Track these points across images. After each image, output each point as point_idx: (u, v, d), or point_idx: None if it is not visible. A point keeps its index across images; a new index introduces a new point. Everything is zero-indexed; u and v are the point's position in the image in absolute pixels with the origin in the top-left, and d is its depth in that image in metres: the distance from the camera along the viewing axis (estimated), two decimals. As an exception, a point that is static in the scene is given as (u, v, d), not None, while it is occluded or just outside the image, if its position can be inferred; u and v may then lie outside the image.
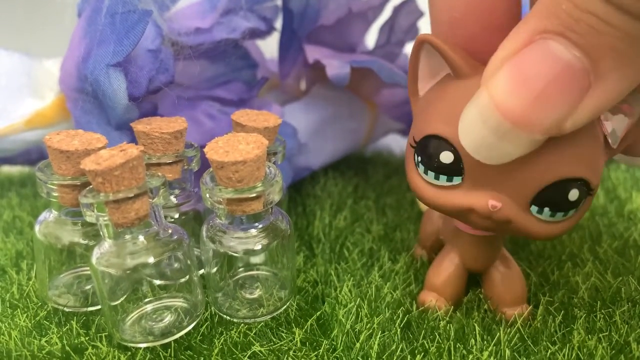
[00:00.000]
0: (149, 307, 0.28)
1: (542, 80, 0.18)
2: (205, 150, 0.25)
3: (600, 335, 0.27)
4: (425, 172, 0.24)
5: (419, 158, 0.24)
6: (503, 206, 0.22)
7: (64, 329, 0.27)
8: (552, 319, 0.28)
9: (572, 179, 0.22)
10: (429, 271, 0.30)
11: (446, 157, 0.23)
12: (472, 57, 0.23)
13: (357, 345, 0.26)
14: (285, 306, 0.29)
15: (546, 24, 0.18)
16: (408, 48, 0.47)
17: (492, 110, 0.19)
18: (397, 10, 0.44)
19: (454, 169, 0.23)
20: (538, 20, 0.18)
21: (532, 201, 0.22)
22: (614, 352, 0.25)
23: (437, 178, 0.24)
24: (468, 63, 0.23)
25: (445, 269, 0.29)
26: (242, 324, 0.28)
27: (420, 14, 0.44)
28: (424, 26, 0.45)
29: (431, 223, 0.33)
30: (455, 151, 0.22)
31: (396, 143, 0.56)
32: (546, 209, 0.22)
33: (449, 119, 0.22)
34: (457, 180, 0.23)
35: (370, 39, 0.47)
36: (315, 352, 0.26)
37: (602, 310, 0.28)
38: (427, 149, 0.23)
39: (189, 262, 0.27)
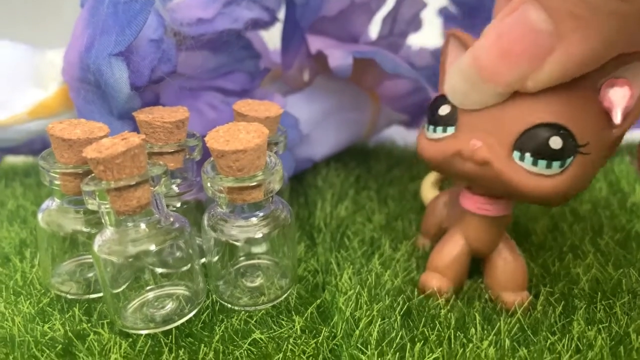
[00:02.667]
0: (150, 295, 0.28)
1: (510, 39, 0.21)
2: (206, 139, 0.25)
3: (600, 326, 0.27)
4: (428, 129, 0.27)
5: (427, 119, 0.27)
6: (483, 146, 0.24)
7: (67, 316, 0.28)
8: (552, 309, 0.28)
9: (552, 124, 0.22)
10: (432, 253, 0.30)
11: (444, 109, 0.26)
12: None
13: (357, 332, 0.26)
14: (285, 294, 0.29)
15: None
16: (411, 39, 0.47)
17: (468, 62, 0.23)
18: (400, 1, 0.44)
19: (449, 119, 0.25)
20: None
21: (513, 146, 0.23)
22: (613, 343, 0.26)
23: (435, 130, 0.26)
24: None
25: (450, 251, 0.29)
26: (243, 312, 0.28)
27: (423, 5, 0.44)
28: (427, 17, 0.46)
29: (434, 213, 0.33)
30: (451, 104, 0.25)
31: (399, 135, 0.56)
32: (527, 155, 0.23)
33: None
34: (450, 130, 0.26)
35: (373, 29, 0.47)
36: (315, 340, 0.26)
37: (603, 302, 0.28)
38: (432, 106, 0.27)
39: (190, 250, 0.27)
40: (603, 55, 0.21)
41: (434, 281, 0.29)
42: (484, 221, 0.28)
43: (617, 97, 0.23)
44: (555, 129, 0.22)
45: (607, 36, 0.20)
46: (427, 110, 0.27)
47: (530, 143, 0.23)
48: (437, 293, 0.29)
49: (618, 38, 0.20)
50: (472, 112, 0.24)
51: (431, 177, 0.41)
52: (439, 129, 0.26)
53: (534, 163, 0.23)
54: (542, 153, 0.23)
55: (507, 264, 0.29)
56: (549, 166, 0.23)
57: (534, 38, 0.21)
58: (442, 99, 0.26)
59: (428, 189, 0.40)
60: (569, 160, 0.23)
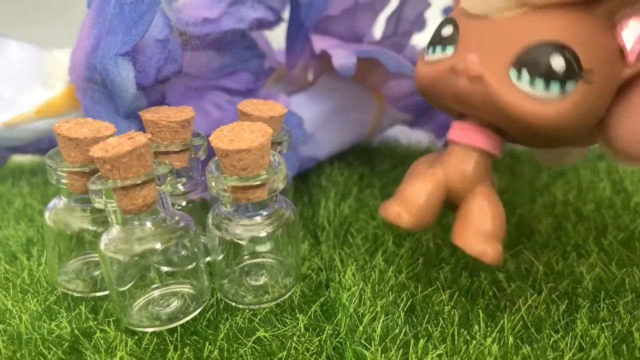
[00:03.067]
0: (156, 293, 0.28)
1: None
2: (210, 138, 0.25)
3: (604, 324, 0.27)
4: (427, 51, 0.25)
5: (428, 42, 0.26)
6: (478, 60, 0.22)
7: (73, 314, 0.28)
8: (555, 307, 0.28)
9: (555, 43, 0.21)
10: (403, 182, 0.27)
11: (446, 31, 0.24)
12: None
13: (360, 328, 0.26)
14: (289, 293, 0.30)
15: None
16: (415, 39, 0.47)
17: None
18: (404, 0, 0.44)
19: (450, 40, 0.24)
20: None
21: (512, 63, 0.22)
22: (616, 341, 0.26)
23: (434, 51, 0.25)
24: None
25: (420, 180, 0.26)
26: (247, 310, 0.28)
27: (427, 5, 0.44)
28: (431, 17, 0.46)
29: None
30: (455, 24, 0.24)
31: (403, 134, 0.56)
32: (524, 72, 0.21)
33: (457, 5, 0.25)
34: (449, 49, 0.24)
35: (378, 29, 0.47)
36: (319, 337, 0.26)
37: (606, 301, 0.29)
38: (437, 29, 0.25)
39: (195, 249, 0.27)
40: None
41: (395, 207, 0.25)
42: (468, 152, 0.25)
43: (633, 34, 0.21)
44: (559, 48, 0.21)
45: None
46: (431, 38, 0.26)
47: (530, 59, 0.21)
48: (397, 219, 0.25)
49: None
50: (473, 29, 0.23)
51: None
52: (439, 48, 0.24)
53: (531, 82, 0.21)
54: (541, 71, 0.21)
55: (481, 206, 0.25)
56: (546, 87, 0.21)
57: None
58: (446, 21, 0.25)
59: None
60: (569, 85, 0.21)
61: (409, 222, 0.25)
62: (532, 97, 0.21)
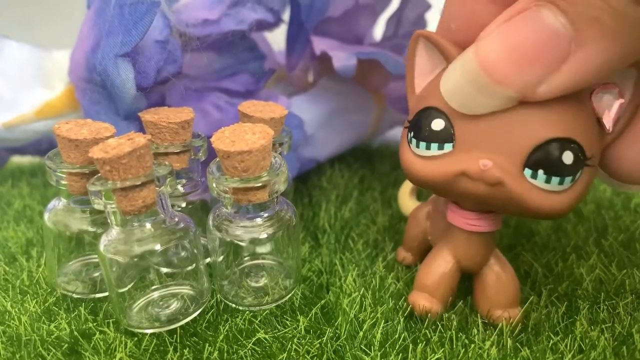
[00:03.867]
0: (155, 294, 0.28)
1: (524, 41, 0.20)
2: (211, 140, 0.25)
3: (603, 326, 0.27)
4: (417, 145, 0.24)
5: (412, 134, 0.25)
6: (494, 165, 0.22)
7: (73, 315, 0.28)
8: (555, 309, 0.28)
9: (564, 139, 0.21)
10: (420, 270, 0.29)
11: (437, 124, 0.23)
12: None
13: (361, 334, 0.26)
14: (290, 295, 0.30)
15: None
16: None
17: (474, 63, 0.21)
18: (404, 2, 0.44)
19: (445, 136, 0.23)
20: None
21: (525, 163, 0.22)
22: (616, 343, 0.26)
23: (428, 148, 0.24)
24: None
25: (438, 269, 0.28)
26: (247, 312, 0.28)
27: (428, 6, 0.44)
28: (432, 18, 0.46)
29: (417, 224, 0.32)
30: (446, 117, 0.23)
31: (403, 136, 0.56)
32: (540, 172, 0.22)
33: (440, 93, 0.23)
34: (448, 147, 0.23)
35: (378, 31, 0.47)
36: (319, 340, 0.26)
37: (606, 302, 0.29)
38: (420, 121, 0.24)
39: (195, 250, 0.27)
40: (620, 64, 0.20)
41: (423, 301, 0.27)
42: (474, 237, 0.27)
43: (609, 104, 0.22)
44: (567, 143, 0.21)
45: (628, 45, 0.19)
46: (412, 128, 0.25)
47: (543, 160, 0.21)
48: (427, 313, 0.27)
49: (637, 47, 0.19)
50: (471, 127, 0.22)
51: (408, 185, 0.39)
52: (434, 145, 0.23)
53: (547, 180, 0.22)
54: (556, 170, 0.21)
55: (499, 279, 0.27)
56: (561, 182, 0.22)
57: (550, 42, 0.19)
58: (433, 112, 0.23)
59: (406, 198, 0.39)
60: (578, 175, 0.22)
61: (439, 311, 0.27)
62: (547, 191, 0.22)
